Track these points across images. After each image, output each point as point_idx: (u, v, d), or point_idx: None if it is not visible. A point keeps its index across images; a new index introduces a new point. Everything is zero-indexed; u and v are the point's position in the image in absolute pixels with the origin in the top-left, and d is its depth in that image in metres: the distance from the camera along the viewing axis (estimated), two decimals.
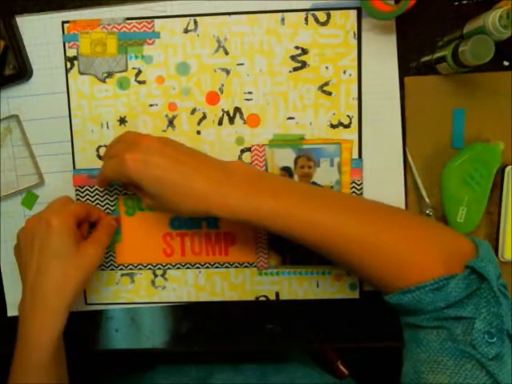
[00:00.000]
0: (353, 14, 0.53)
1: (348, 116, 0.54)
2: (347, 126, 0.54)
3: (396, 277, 0.41)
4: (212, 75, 0.55)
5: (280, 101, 0.54)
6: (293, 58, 0.54)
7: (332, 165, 0.55)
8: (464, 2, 0.52)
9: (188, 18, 0.54)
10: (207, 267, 0.57)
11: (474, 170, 0.52)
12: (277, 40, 0.54)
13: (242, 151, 0.55)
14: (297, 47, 0.54)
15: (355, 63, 0.53)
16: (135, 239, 0.57)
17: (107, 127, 0.56)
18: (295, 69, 0.54)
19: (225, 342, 0.59)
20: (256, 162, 0.55)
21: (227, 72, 0.54)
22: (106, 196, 0.57)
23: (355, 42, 0.53)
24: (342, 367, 0.86)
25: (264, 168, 0.55)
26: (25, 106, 0.56)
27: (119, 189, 0.57)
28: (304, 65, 0.54)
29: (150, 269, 0.58)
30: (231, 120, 0.55)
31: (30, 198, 0.58)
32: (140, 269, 0.58)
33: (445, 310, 0.39)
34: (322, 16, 0.53)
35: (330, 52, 0.53)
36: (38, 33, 0.55)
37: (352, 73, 0.54)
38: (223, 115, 0.55)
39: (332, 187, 0.55)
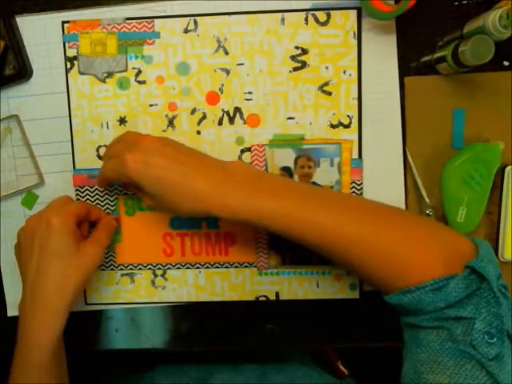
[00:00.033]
0: (353, 14, 0.53)
1: (348, 116, 0.54)
2: (347, 126, 0.54)
3: (396, 277, 0.41)
4: (212, 75, 0.55)
5: (280, 101, 0.54)
6: (293, 58, 0.54)
7: (332, 165, 0.55)
8: (464, 1, 0.52)
9: (188, 18, 0.54)
10: (207, 267, 0.57)
11: (474, 170, 0.52)
12: (277, 40, 0.54)
13: (242, 151, 0.55)
14: (297, 47, 0.54)
15: (355, 63, 0.53)
16: (135, 239, 0.57)
17: (107, 127, 0.56)
18: (295, 69, 0.54)
19: (225, 341, 0.59)
20: (256, 161, 0.55)
21: (227, 72, 0.54)
22: (106, 196, 0.57)
23: (355, 41, 0.53)
24: (341, 367, 0.86)
25: (264, 168, 0.55)
26: (25, 106, 0.56)
27: (119, 189, 0.57)
28: (304, 65, 0.54)
29: (150, 269, 0.58)
30: (231, 120, 0.55)
31: (29, 197, 0.58)
32: (140, 269, 0.58)
33: (445, 310, 0.39)
34: (321, 16, 0.53)
35: (329, 52, 0.53)
36: (38, 33, 0.55)
37: (352, 73, 0.54)
38: (223, 115, 0.55)
39: (332, 187, 0.55)
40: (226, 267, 0.57)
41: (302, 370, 0.71)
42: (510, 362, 0.38)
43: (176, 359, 0.71)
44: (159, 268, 0.57)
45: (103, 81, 0.55)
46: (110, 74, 0.55)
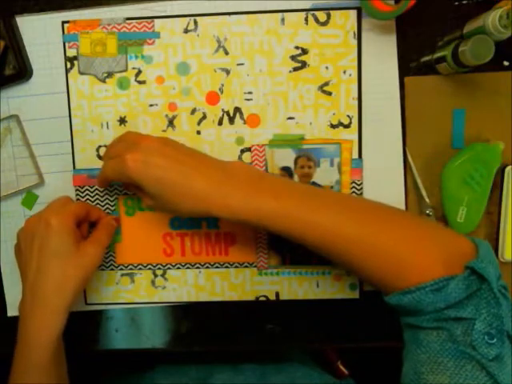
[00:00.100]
0: (353, 14, 0.53)
1: (348, 116, 0.54)
2: (347, 126, 0.54)
3: (396, 277, 0.41)
4: (212, 75, 0.55)
5: (280, 101, 0.54)
6: (293, 58, 0.54)
7: (332, 165, 0.55)
8: (464, 1, 0.52)
9: (188, 18, 0.54)
10: (207, 267, 0.57)
11: (474, 170, 0.52)
12: (277, 40, 0.54)
13: (242, 151, 0.55)
14: (297, 47, 0.54)
15: (355, 63, 0.53)
16: (135, 239, 0.57)
17: (107, 127, 0.56)
18: (295, 69, 0.54)
19: (225, 342, 0.59)
20: (256, 162, 0.55)
21: (227, 72, 0.54)
22: (106, 196, 0.57)
23: (355, 41, 0.53)
24: (341, 367, 0.86)
25: (264, 168, 0.55)
26: (25, 106, 0.56)
27: (119, 189, 0.57)
28: (304, 65, 0.54)
29: (150, 269, 0.58)
30: (231, 120, 0.55)
31: (29, 197, 0.58)
32: (140, 269, 0.58)
33: (445, 310, 0.39)
34: (321, 16, 0.53)
35: (329, 52, 0.53)
36: (38, 33, 0.55)
37: (352, 73, 0.54)
38: (223, 115, 0.55)
39: (332, 187, 0.55)
40: (226, 267, 0.57)
41: (302, 370, 0.71)
42: (510, 362, 0.38)
43: (176, 359, 0.71)
44: (159, 268, 0.57)
45: (103, 81, 0.55)
46: (109, 74, 0.55)
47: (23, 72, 0.54)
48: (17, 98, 0.56)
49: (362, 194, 0.55)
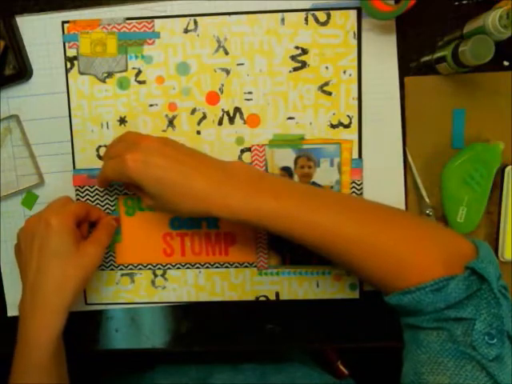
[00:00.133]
0: (353, 14, 0.53)
1: (348, 116, 0.54)
2: (347, 126, 0.54)
3: (396, 277, 0.41)
4: (212, 75, 0.54)
5: (280, 101, 0.54)
6: (293, 58, 0.54)
7: (332, 165, 0.55)
8: (464, 1, 0.52)
9: (188, 18, 0.54)
10: (207, 267, 0.57)
11: (474, 170, 0.52)
12: (277, 40, 0.54)
13: (242, 151, 0.55)
14: (297, 47, 0.54)
15: (355, 63, 0.53)
16: (135, 239, 0.57)
17: (107, 127, 0.56)
18: (295, 69, 0.54)
19: (225, 342, 0.59)
20: (256, 162, 0.55)
21: (227, 72, 0.54)
22: (106, 196, 0.57)
23: (355, 41, 0.53)
24: (341, 367, 0.86)
25: (264, 168, 0.55)
26: (25, 106, 0.56)
27: (119, 189, 0.57)
28: (304, 65, 0.54)
29: (150, 269, 0.58)
30: (231, 120, 0.55)
31: (30, 197, 0.58)
32: (140, 269, 0.58)
33: (445, 310, 0.39)
34: (321, 16, 0.53)
35: (330, 52, 0.53)
36: (38, 33, 0.55)
37: (352, 73, 0.54)
38: (223, 115, 0.55)
39: (332, 187, 0.55)
40: (226, 267, 0.57)
41: (302, 370, 0.71)
42: (510, 362, 0.38)
43: (176, 359, 0.71)
44: (159, 268, 0.57)
45: (103, 81, 0.55)
46: (109, 74, 0.55)
47: (23, 72, 0.54)
48: (17, 98, 0.56)
49: (362, 194, 0.55)
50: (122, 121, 0.56)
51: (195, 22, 0.54)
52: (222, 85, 0.55)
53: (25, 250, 0.51)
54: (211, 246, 0.57)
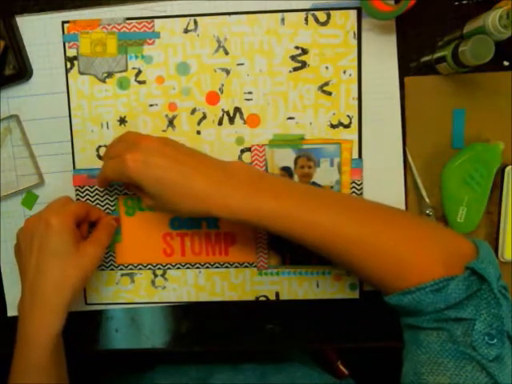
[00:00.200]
0: (353, 14, 0.53)
1: (348, 116, 0.54)
2: (347, 126, 0.54)
3: (396, 277, 0.41)
4: (212, 75, 0.54)
5: (280, 101, 0.54)
6: (293, 57, 0.54)
7: (332, 165, 0.55)
8: (464, 1, 0.52)
9: (188, 18, 0.54)
10: (207, 267, 0.57)
11: (474, 170, 0.52)
12: (277, 40, 0.54)
13: (242, 151, 0.55)
14: (297, 47, 0.54)
15: (355, 63, 0.53)
16: (135, 239, 0.57)
17: (107, 127, 0.56)
18: (295, 69, 0.54)
19: (225, 341, 0.59)
20: (256, 162, 0.55)
21: (227, 72, 0.54)
22: (106, 196, 0.57)
23: (355, 41, 0.53)
24: (341, 367, 0.86)
25: (264, 168, 0.55)
26: (25, 106, 0.56)
27: (119, 189, 0.57)
28: (304, 65, 0.54)
29: (150, 269, 0.58)
30: (231, 120, 0.55)
31: (30, 197, 0.58)
32: (140, 269, 0.58)
33: (445, 311, 0.39)
34: (321, 16, 0.53)
35: (330, 52, 0.53)
36: (38, 33, 0.55)
37: (352, 73, 0.54)
38: (223, 115, 0.55)
39: (332, 187, 0.55)
40: (226, 267, 0.57)
41: (302, 370, 0.71)
42: (510, 363, 0.38)
43: (176, 359, 0.71)
44: (159, 268, 0.57)
45: (103, 81, 0.55)
46: (109, 74, 0.55)
47: (23, 72, 0.54)
48: (17, 98, 0.56)
49: (362, 194, 0.55)
50: (122, 121, 0.56)
51: (195, 22, 0.54)
52: (222, 85, 0.55)
53: (24, 249, 0.51)
54: (211, 246, 0.57)
